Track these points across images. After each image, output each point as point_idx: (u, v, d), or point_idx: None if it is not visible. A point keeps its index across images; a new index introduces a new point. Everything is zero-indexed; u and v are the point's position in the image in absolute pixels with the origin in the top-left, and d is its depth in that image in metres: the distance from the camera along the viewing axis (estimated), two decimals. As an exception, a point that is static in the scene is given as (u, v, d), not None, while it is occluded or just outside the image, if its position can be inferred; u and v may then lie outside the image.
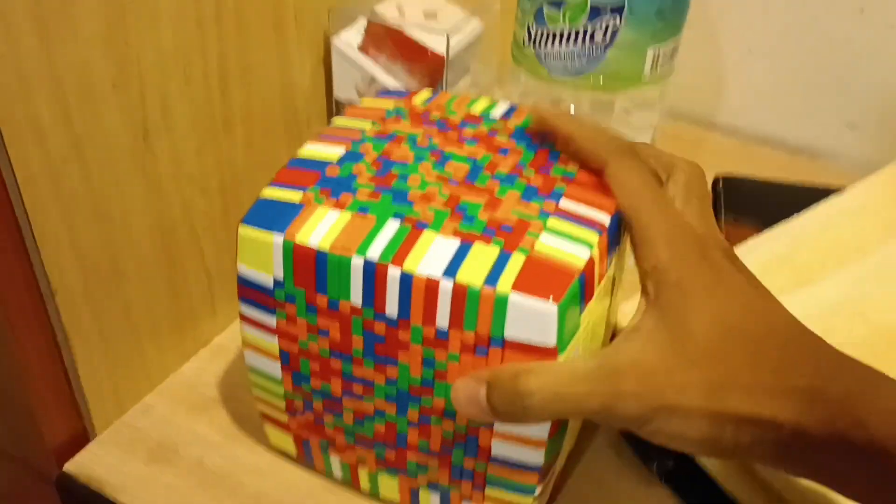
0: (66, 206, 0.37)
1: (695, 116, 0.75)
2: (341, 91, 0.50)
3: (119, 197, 0.40)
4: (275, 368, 0.37)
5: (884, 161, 0.54)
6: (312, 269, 0.33)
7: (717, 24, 0.70)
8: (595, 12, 0.48)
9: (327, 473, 0.40)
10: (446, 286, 0.31)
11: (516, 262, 0.31)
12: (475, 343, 0.31)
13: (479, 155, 0.36)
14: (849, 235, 0.49)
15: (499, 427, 0.33)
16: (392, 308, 0.32)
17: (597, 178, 0.35)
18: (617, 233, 0.34)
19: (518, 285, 0.30)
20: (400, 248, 0.31)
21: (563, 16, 0.49)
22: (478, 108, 0.40)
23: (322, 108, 0.51)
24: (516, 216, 0.33)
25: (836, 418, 0.27)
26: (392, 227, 0.32)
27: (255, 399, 0.39)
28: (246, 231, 0.34)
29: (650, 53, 0.50)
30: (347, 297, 0.33)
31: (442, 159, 0.36)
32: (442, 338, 0.32)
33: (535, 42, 0.51)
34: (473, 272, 0.31)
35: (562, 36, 0.50)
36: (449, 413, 0.34)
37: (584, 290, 0.32)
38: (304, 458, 0.41)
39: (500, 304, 0.30)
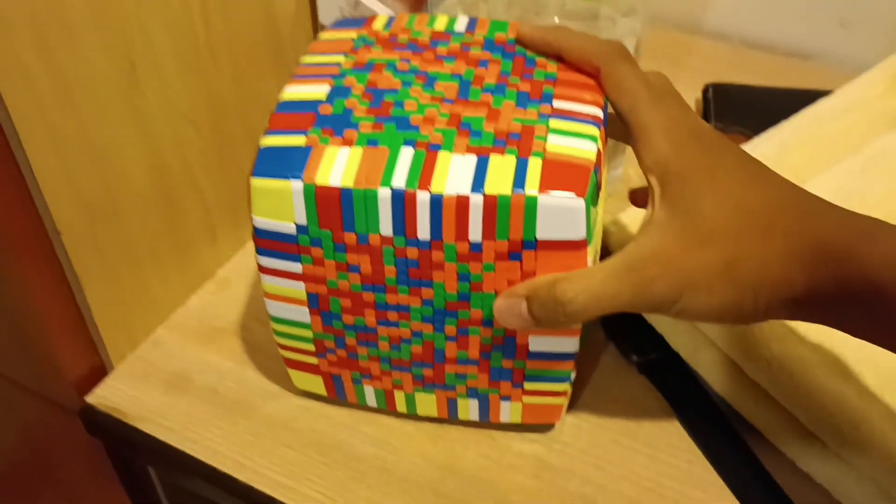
0: (62, 148, 0.38)
1: (682, 22, 0.74)
2: (326, 17, 0.49)
3: (111, 135, 0.40)
4: (302, 314, 0.37)
5: (877, 60, 0.54)
6: (337, 208, 0.33)
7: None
8: (576, -81, 0.47)
9: (360, 403, 0.42)
10: (476, 200, 0.32)
11: (535, 165, 0.32)
12: (508, 250, 0.33)
13: (462, 70, 0.37)
14: (838, 133, 0.49)
15: None
16: (424, 231, 0.33)
17: (576, 74, 0.37)
18: (606, 119, 0.36)
19: (544, 186, 0.32)
20: (422, 173, 0.32)
21: (545, -75, 0.48)
22: (440, 25, 0.40)
23: (308, 35, 0.51)
24: (519, 123, 0.34)
25: (841, 270, 0.29)
26: (407, 153, 0.33)
27: (279, 346, 0.40)
28: (259, 183, 0.34)
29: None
30: (377, 229, 0.33)
31: (429, 80, 0.36)
32: (476, 251, 0.33)
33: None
34: (499, 182, 0.32)
35: (544, -54, 0.49)
36: (487, 321, 0.35)
37: (598, 182, 0.34)
38: (334, 394, 0.42)
39: (531, 207, 0.32)
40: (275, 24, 0.48)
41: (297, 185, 0.33)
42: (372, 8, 0.48)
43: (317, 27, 0.51)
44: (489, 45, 0.38)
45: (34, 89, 0.35)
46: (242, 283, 0.50)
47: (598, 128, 0.34)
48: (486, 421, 0.40)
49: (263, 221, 0.35)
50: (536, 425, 0.41)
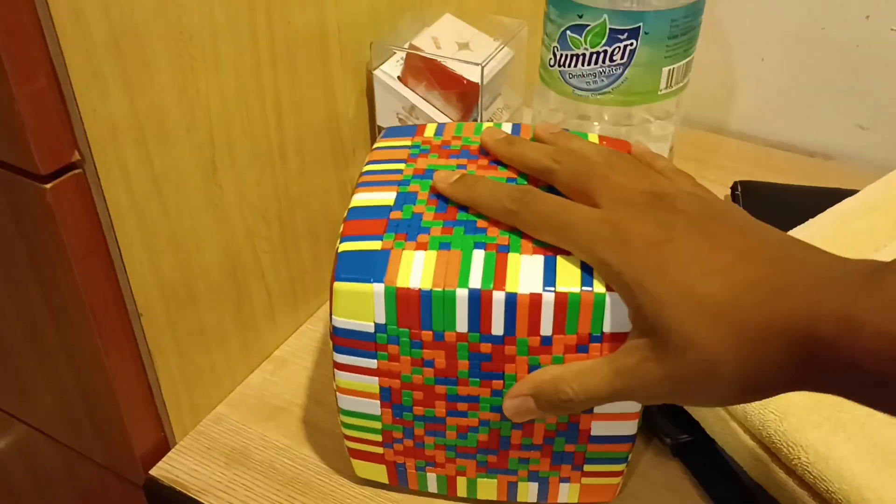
0: (149, 238, 0.42)
1: (710, 123, 0.79)
2: (383, 119, 0.54)
3: (192, 227, 0.44)
4: (373, 407, 0.39)
5: (897, 162, 0.58)
6: (416, 308, 0.36)
7: (730, 35, 0.74)
8: (613, 35, 0.52)
9: (421, 489, 0.43)
10: (549, 298, 0.35)
11: None
12: (577, 343, 0.36)
13: (516, 175, 0.40)
14: (861, 232, 0.52)
15: (598, 409, 0.38)
16: (498, 328, 0.36)
17: None
18: None
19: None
20: (496, 273, 0.35)
21: (585, 39, 0.53)
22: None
23: (366, 135, 0.56)
24: None
25: (821, 362, 0.28)
26: (479, 255, 0.36)
27: (346, 437, 0.42)
28: (343, 287, 0.36)
29: (665, 71, 0.54)
30: (453, 327, 0.36)
31: None
32: (546, 344, 0.36)
33: (559, 63, 0.55)
34: (569, 280, 0.35)
35: (584, 57, 0.54)
36: None
37: None
38: (396, 482, 0.43)
39: (599, 303, 0.35)
40: (337, 124, 0.53)
41: (378, 288, 0.36)
42: (427, 112, 0.52)
43: (374, 129, 0.55)
44: None
45: (130, 185, 0.40)
46: (298, 364, 0.53)
47: None
48: (544, 502, 0.42)
49: (343, 322, 0.37)
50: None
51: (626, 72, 0.54)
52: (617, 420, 0.38)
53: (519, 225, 0.37)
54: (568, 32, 0.53)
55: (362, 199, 0.40)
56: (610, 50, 0.53)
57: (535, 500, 0.42)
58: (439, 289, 0.35)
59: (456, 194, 0.39)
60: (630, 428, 0.38)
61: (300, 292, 0.54)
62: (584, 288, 0.34)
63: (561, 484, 0.41)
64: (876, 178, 0.57)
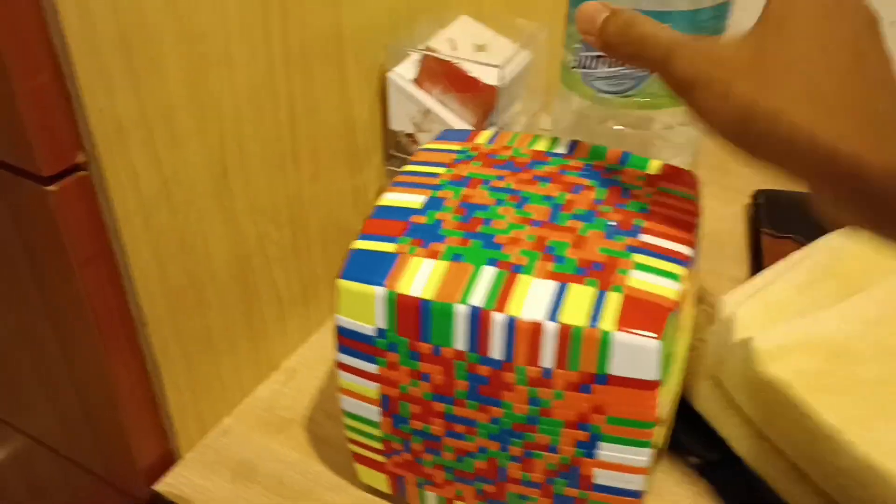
0: (157, 243, 0.40)
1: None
2: (397, 123, 0.52)
3: (201, 231, 0.42)
4: (373, 413, 0.38)
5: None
6: (416, 317, 0.34)
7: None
8: (638, 38, 0.50)
9: None
10: (550, 328, 0.32)
11: (614, 300, 0.33)
12: (580, 381, 0.33)
13: (555, 194, 0.38)
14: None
15: (601, 456, 0.35)
16: (496, 351, 0.34)
17: (670, 209, 0.37)
18: (695, 259, 0.36)
19: (621, 323, 0.32)
20: (500, 294, 0.33)
21: (607, 42, 0.51)
22: (541, 145, 0.41)
23: (379, 139, 0.54)
24: (604, 254, 0.34)
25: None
26: (489, 273, 0.34)
27: (349, 440, 0.41)
28: (345, 285, 0.35)
29: (692, 75, 0.52)
30: (451, 343, 0.34)
31: (521, 201, 0.38)
32: (547, 377, 0.34)
33: (582, 65, 0.53)
34: (575, 313, 0.32)
35: (606, 60, 0.52)
36: (553, 448, 0.35)
37: (677, 321, 0.34)
38: (397, 493, 0.42)
39: (605, 343, 0.32)
40: (352, 129, 0.51)
41: (380, 291, 0.34)
42: (442, 116, 0.51)
43: (387, 133, 0.54)
44: (587, 170, 0.39)
45: (138, 188, 0.38)
46: (308, 375, 0.51)
47: (685, 267, 0.34)
48: None
49: (346, 321, 0.36)
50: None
51: (648, 76, 0.52)
52: (623, 472, 0.35)
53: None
54: (590, 35, 0.52)
55: (391, 198, 0.39)
56: (633, 53, 0.51)
57: None
58: (439, 301, 0.34)
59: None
60: (637, 483, 0.35)
61: (312, 300, 0.53)
62: (591, 323, 0.32)
63: None
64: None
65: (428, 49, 0.51)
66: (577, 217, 0.36)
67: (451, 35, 0.52)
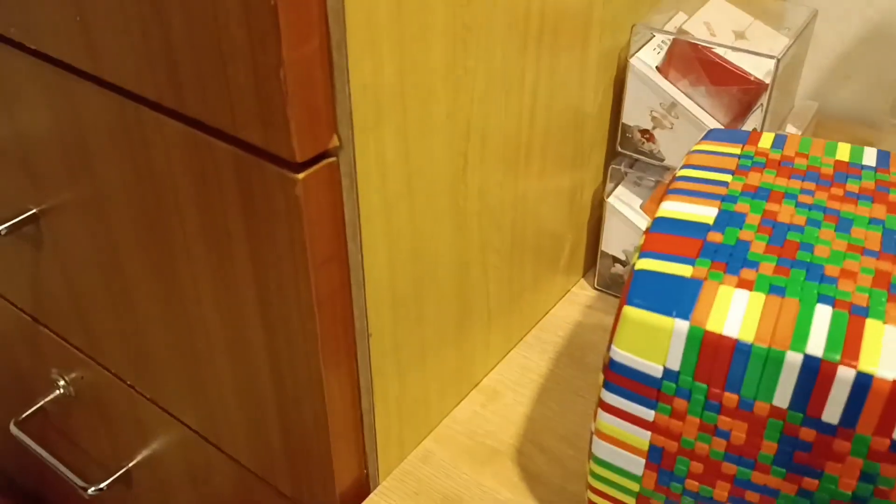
0: (393, 246, 0.34)
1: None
2: (632, 116, 0.45)
3: (433, 235, 0.37)
4: (636, 465, 0.32)
5: None
6: (725, 362, 0.28)
7: None
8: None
9: None
10: None
11: None
12: None
13: (883, 216, 0.31)
14: None
15: None
16: (832, 414, 0.27)
17: None
18: None
19: None
20: (846, 342, 0.27)
21: None
22: (842, 154, 0.35)
23: (604, 134, 0.47)
24: None
25: None
26: (824, 313, 0.27)
27: (591, 489, 0.35)
28: (634, 313, 0.29)
29: None
30: (769, 397, 0.28)
31: (842, 223, 0.31)
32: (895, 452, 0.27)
33: None
34: None
35: None
36: None
37: None
38: None
39: None
40: (581, 121, 0.44)
41: (680, 326, 0.28)
42: (691, 111, 0.43)
43: (616, 127, 0.47)
44: None
45: (384, 180, 0.32)
46: (512, 398, 0.45)
47: None
48: None
49: (625, 356, 0.30)
50: None
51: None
52: None
53: None
54: None
55: (674, 209, 0.32)
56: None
57: None
58: (763, 345, 0.27)
59: None
60: None
61: (516, 313, 0.46)
62: None
63: None
64: None
65: (680, 32, 0.44)
66: None
67: (707, 18, 0.45)
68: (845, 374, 0.26)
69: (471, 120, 0.36)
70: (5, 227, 0.45)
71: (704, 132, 0.42)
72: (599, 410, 0.32)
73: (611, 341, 0.30)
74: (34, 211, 0.44)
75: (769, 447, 0.29)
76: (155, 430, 0.50)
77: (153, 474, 0.54)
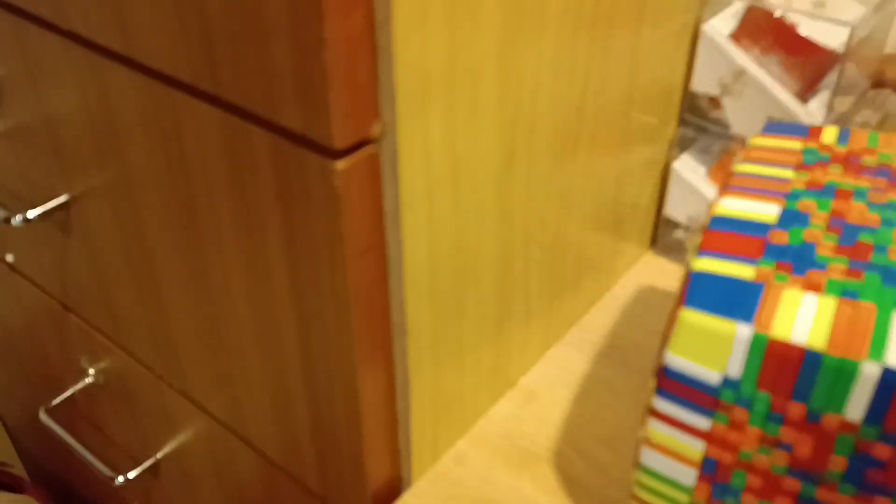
0: (435, 237, 0.33)
1: None
2: (702, 83, 0.43)
3: (476, 227, 0.35)
4: (687, 476, 0.31)
5: None
6: (793, 371, 0.26)
7: None
8: None
9: None
10: None
11: None
12: None
13: None
14: None
15: None
16: None
17: None
18: None
19: None
20: None
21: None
22: None
23: (675, 111, 0.45)
24: None
25: None
26: None
27: (635, 498, 0.33)
28: (692, 317, 0.27)
29: None
30: (839, 409, 0.26)
31: None
32: None
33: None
34: None
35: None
36: None
37: None
38: None
39: None
40: (639, 100, 0.42)
41: (743, 331, 0.26)
42: (759, 80, 0.41)
43: (685, 97, 0.45)
44: None
45: (429, 169, 0.31)
46: (548, 400, 0.43)
47: None
48: None
49: (680, 361, 0.28)
50: None
51: None
52: None
53: None
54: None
55: (733, 206, 0.30)
56: None
57: None
58: (836, 354, 0.25)
59: None
60: None
61: (556, 310, 0.45)
62: None
63: None
64: None
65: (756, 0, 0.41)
66: None
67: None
68: None
69: (520, 106, 0.34)
70: (37, 214, 0.44)
71: (772, 101, 0.40)
72: (650, 418, 0.30)
73: (665, 345, 0.29)
74: (65, 199, 0.43)
75: (838, 463, 0.27)
76: (182, 422, 0.49)
77: (178, 465, 0.53)
